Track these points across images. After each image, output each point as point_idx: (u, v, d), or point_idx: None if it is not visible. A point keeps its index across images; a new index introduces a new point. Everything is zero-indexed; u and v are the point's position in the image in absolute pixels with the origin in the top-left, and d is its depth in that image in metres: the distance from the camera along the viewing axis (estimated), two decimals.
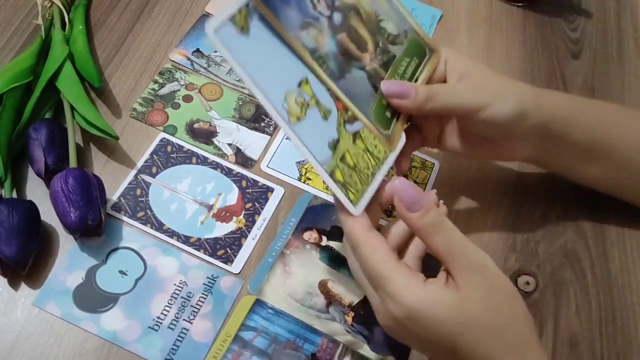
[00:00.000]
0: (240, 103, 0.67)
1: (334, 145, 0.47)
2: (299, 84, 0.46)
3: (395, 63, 0.54)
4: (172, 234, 0.58)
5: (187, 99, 0.67)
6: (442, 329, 0.44)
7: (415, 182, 0.64)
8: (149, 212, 0.59)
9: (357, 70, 0.51)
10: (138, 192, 0.60)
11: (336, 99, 0.49)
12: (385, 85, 0.52)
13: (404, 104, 0.52)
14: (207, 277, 0.57)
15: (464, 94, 0.53)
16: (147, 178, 0.61)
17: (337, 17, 0.50)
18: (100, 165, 0.62)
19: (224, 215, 0.60)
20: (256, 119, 0.67)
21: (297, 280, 0.58)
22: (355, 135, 0.49)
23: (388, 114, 0.52)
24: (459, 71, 0.55)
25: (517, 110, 0.53)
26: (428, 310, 0.44)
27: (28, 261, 0.54)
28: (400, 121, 0.53)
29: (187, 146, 0.63)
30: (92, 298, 0.54)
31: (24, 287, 0.54)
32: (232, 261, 0.58)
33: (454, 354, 0.45)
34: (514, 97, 0.54)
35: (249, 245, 0.59)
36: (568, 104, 0.57)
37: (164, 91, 0.67)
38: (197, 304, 0.55)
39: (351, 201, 0.46)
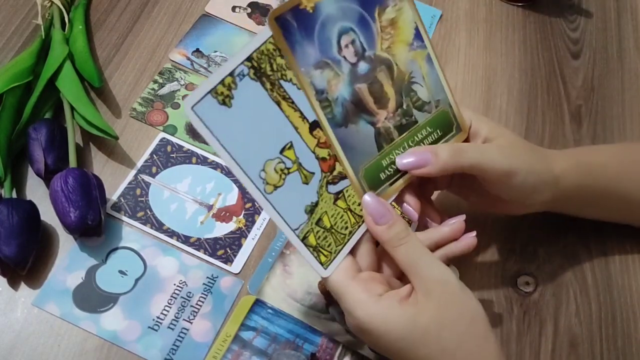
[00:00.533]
0: None
1: (312, 209, 0.47)
2: (282, 150, 0.46)
3: (415, 129, 0.52)
4: (172, 234, 0.58)
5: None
6: (394, 343, 0.45)
7: None
8: (149, 212, 0.59)
9: (365, 124, 0.50)
10: (138, 192, 0.60)
11: (321, 159, 0.48)
12: (399, 162, 0.50)
13: (425, 172, 0.50)
14: (207, 277, 0.57)
15: (494, 155, 0.51)
16: (147, 178, 0.61)
17: (363, 67, 0.50)
18: (100, 165, 0.62)
19: (223, 215, 0.60)
20: None
21: (297, 280, 0.58)
22: (338, 194, 0.49)
23: (382, 176, 0.50)
24: (484, 135, 0.54)
25: (540, 182, 0.53)
26: (378, 325, 0.45)
27: (28, 261, 0.54)
28: (396, 187, 0.51)
29: (187, 146, 0.63)
30: (91, 298, 0.54)
31: (23, 287, 0.54)
32: (232, 261, 0.58)
33: None
34: (540, 169, 0.53)
35: (248, 245, 0.59)
36: (580, 170, 0.56)
37: (163, 91, 0.67)
38: (197, 304, 0.55)
39: (322, 263, 0.47)
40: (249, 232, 0.60)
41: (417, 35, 0.52)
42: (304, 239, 0.47)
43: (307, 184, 0.47)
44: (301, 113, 0.47)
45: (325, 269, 0.47)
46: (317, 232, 0.48)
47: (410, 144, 0.52)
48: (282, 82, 0.46)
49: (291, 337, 0.55)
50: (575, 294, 0.60)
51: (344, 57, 0.49)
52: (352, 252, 0.49)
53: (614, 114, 0.73)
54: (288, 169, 0.46)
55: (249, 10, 0.75)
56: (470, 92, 0.72)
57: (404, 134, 0.52)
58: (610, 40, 0.79)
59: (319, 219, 0.48)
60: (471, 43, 0.76)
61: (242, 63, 0.44)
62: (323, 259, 0.47)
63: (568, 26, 0.80)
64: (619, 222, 0.62)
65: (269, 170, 0.46)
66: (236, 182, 0.62)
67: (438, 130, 0.53)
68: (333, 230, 0.48)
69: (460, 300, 0.46)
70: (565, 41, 0.78)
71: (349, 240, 0.49)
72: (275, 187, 0.46)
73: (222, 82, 0.43)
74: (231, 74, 0.44)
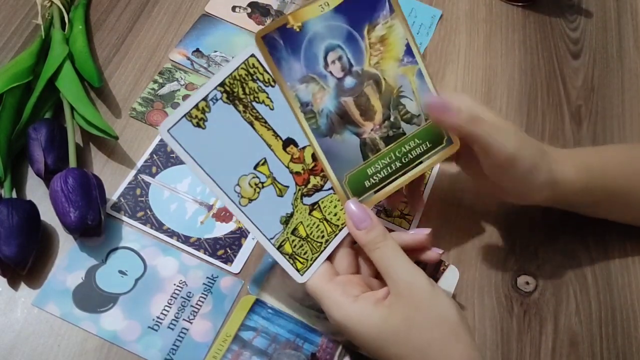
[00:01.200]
0: None
1: (287, 220, 0.51)
2: (256, 166, 0.50)
3: (402, 141, 0.54)
4: (172, 233, 0.58)
5: (187, 98, 0.67)
6: (369, 342, 0.48)
7: None
8: (149, 212, 0.59)
9: (350, 135, 0.52)
10: (138, 192, 0.60)
11: (295, 174, 0.51)
12: (426, 100, 0.52)
13: (446, 118, 0.51)
14: (207, 277, 0.57)
15: (506, 137, 0.51)
16: (147, 178, 0.61)
17: (349, 82, 0.52)
18: (100, 165, 0.62)
19: (223, 215, 0.60)
20: None
21: None
22: (313, 206, 0.52)
23: (367, 184, 0.53)
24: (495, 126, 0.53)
25: (539, 180, 0.53)
26: (354, 325, 0.48)
27: (28, 261, 0.54)
28: (380, 195, 0.53)
29: None
30: (91, 298, 0.54)
31: (23, 287, 0.54)
32: (232, 261, 0.58)
33: None
34: (542, 168, 0.53)
35: (248, 245, 0.59)
36: (589, 175, 0.56)
37: (163, 91, 0.67)
38: (197, 304, 0.55)
39: (298, 270, 0.50)
40: (249, 232, 0.59)
41: (408, 52, 0.54)
42: (279, 247, 0.50)
43: (281, 196, 0.51)
44: (274, 131, 0.50)
45: (302, 275, 0.50)
46: (293, 240, 0.51)
47: (397, 155, 0.54)
48: (254, 104, 0.49)
49: (291, 337, 0.55)
50: (575, 293, 0.60)
51: (330, 73, 0.51)
52: (331, 255, 0.52)
53: (614, 114, 0.73)
54: (262, 183, 0.50)
55: (249, 10, 0.75)
56: (470, 93, 0.72)
57: (391, 145, 0.53)
58: (610, 40, 0.79)
59: (295, 229, 0.51)
60: (471, 43, 0.76)
61: (214, 88, 0.48)
62: (299, 265, 0.50)
63: (568, 26, 0.80)
64: (623, 223, 0.62)
65: (243, 185, 0.49)
66: None
67: (427, 142, 0.54)
68: (309, 239, 0.51)
69: (429, 302, 0.48)
70: (565, 41, 0.78)
71: (325, 248, 0.52)
72: (250, 200, 0.49)
73: (196, 106, 0.47)
74: (204, 99, 0.48)
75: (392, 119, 0.53)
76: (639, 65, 0.77)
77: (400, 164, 0.54)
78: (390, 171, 0.53)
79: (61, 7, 0.68)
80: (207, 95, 0.48)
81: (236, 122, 0.49)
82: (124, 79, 0.67)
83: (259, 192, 0.50)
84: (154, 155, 0.62)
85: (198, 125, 0.47)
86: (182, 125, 0.47)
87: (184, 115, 0.47)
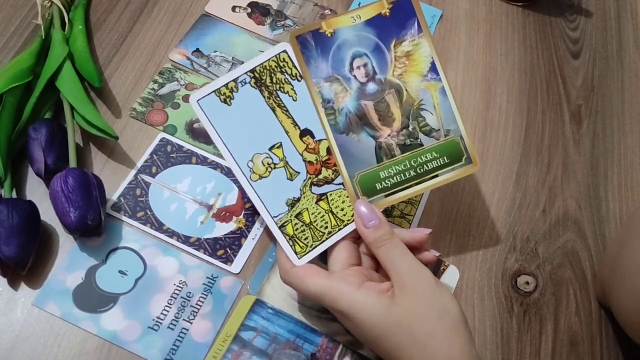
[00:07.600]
0: None
1: (293, 203, 0.53)
2: (271, 148, 0.53)
3: (419, 151, 0.55)
4: (171, 233, 0.58)
5: (187, 98, 0.67)
6: (369, 329, 0.48)
7: None
8: (149, 212, 0.59)
9: (366, 136, 0.55)
10: (138, 192, 0.60)
11: (308, 162, 0.54)
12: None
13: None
14: (207, 277, 0.57)
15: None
16: (147, 178, 0.61)
17: (372, 87, 0.55)
18: (100, 165, 0.62)
19: (223, 215, 0.60)
20: None
21: None
22: (321, 196, 0.54)
23: (378, 187, 0.54)
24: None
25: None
26: (357, 312, 0.48)
27: (28, 261, 0.54)
28: (390, 200, 0.54)
29: (186, 146, 0.63)
30: (91, 298, 0.54)
31: (23, 287, 0.54)
32: (232, 261, 0.58)
33: (390, 356, 0.48)
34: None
35: (248, 245, 0.59)
36: None
37: (163, 91, 0.67)
38: (197, 304, 0.55)
39: (296, 252, 0.52)
40: (249, 232, 0.60)
41: (433, 69, 0.56)
42: (281, 227, 0.52)
43: (291, 180, 0.54)
44: (293, 120, 0.54)
45: (299, 259, 0.52)
46: (296, 224, 0.53)
47: (413, 164, 0.55)
48: (279, 92, 0.54)
49: (291, 337, 0.55)
50: (575, 293, 0.60)
51: (354, 77, 0.55)
52: (331, 248, 0.53)
53: (613, 113, 0.73)
54: (275, 164, 0.53)
55: (249, 10, 0.75)
56: (470, 92, 0.72)
57: (407, 153, 0.55)
58: (610, 40, 0.79)
59: (299, 213, 0.53)
60: (471, 43, 0.76)
61: (245, 73, 0.54)
62: (298, 249, 0.52)
63: (568, 26, 0.80)
64: None
65: (256, 161, 0.53)
66: (236, 182, 0.62)
67: (445, 157, 0.56)
68: (312, 226, 0.53)
69: (433, 295, 0.48)
70: (565, 41, 0.78)
71: (327, 239, 0.53)
72: (260, 177, 0.53)
73: (225, 85, 0.53)
74: (234, 80, 0.53)
75: (410, 128, 0.55)
76: (639, 65, 0.77)
77: (414, 173, 0.55)
78: (403, 178, 0.55)
79: (61, 7, 0.68)
80: (237, 78, 0.53)
81: (259, 105, 0.53)
82: (124, 79, 0.67)
83: (270, 172, 0.53)
84: (154, 155, 0.62)
85: (224, 102, 0.53)
86: (210, 99, 0.52)
87: (214, 91, 0.53)
